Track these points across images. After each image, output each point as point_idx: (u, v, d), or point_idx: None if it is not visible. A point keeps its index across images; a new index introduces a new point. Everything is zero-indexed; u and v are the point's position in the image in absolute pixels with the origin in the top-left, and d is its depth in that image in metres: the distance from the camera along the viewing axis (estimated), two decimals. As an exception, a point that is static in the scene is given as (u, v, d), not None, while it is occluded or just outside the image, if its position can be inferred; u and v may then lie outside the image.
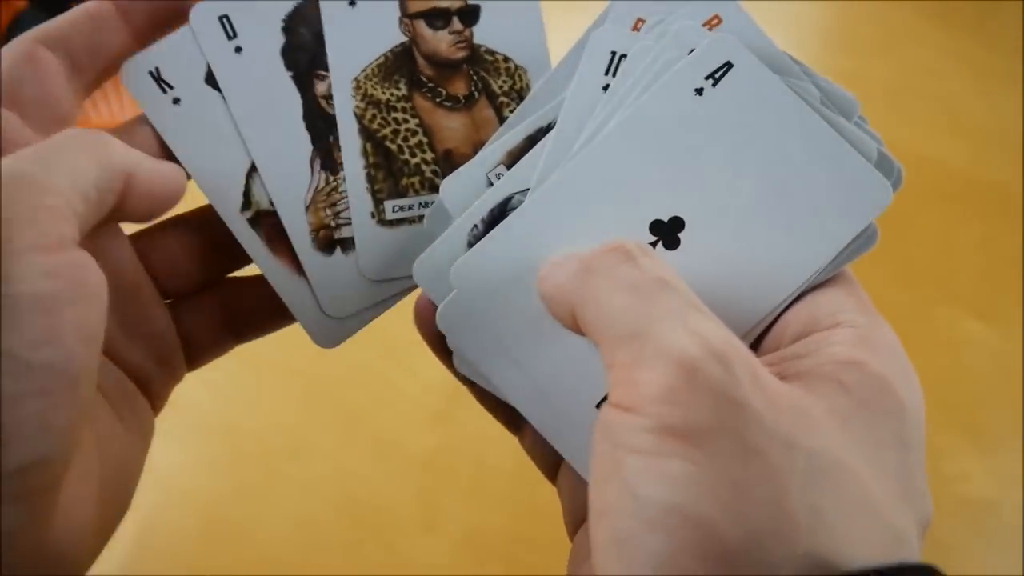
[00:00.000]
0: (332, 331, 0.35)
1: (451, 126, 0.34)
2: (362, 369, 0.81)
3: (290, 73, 0.33)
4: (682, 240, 0.28)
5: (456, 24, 0.34)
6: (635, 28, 0.31)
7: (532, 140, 0.31)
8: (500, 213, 0.30)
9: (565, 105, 0.29)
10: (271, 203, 0.33)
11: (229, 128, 0.32)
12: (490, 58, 0.34)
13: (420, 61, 0.34)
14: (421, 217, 0.34)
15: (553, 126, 0.30)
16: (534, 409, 0.29)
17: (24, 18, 0.84)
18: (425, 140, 0.34)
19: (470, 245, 0.30)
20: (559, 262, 0.26)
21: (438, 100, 0.34)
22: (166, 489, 0.76)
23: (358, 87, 0.33)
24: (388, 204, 0.34)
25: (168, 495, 0.75)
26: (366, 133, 0.33)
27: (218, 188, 0.32)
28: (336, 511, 0.75)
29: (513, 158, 0.31)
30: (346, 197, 0.34)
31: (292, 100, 0.33)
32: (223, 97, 0.32)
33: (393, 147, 0.34)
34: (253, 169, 0.33)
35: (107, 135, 0.28)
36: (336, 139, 0.33)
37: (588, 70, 0.30)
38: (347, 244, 0.34)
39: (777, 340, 0.28)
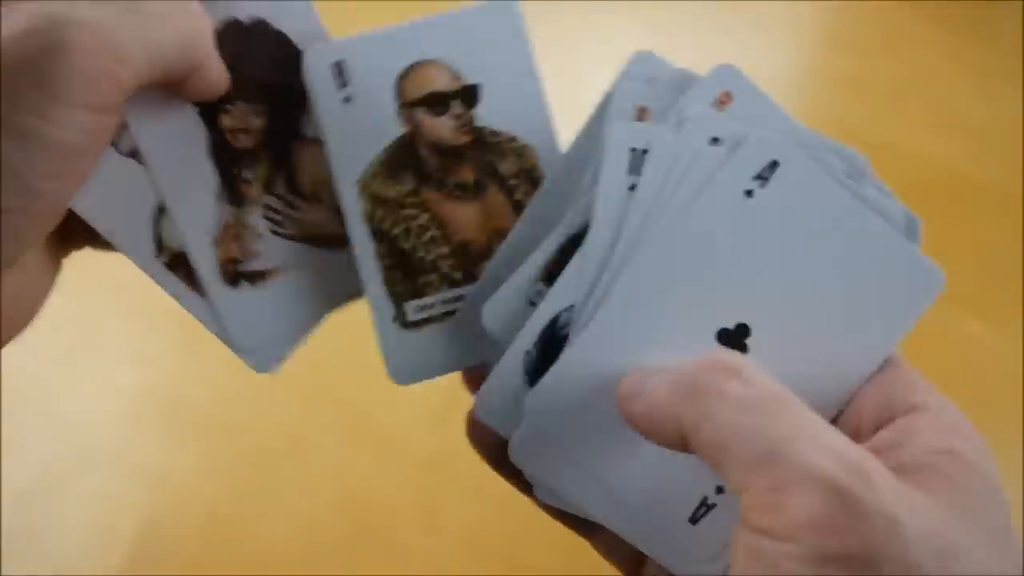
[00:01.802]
0: (264, 358, 0.34)
1: (463, 216, 0.33)
2: (362, 369, 0.81)
3: (196, 108, 0.31)
4: (749, 346, 0.28)
5: (457, 108, 0.32)
6: (640, 117, 0.30)
7: (564, 250, 0.30)
8: (551, 334, 0.29)
9: (595, 211, 0.29)
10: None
11: (132, 171, 0.31)
12: (494, 140, 0.33)
13: (423, 151, 0.32)
14: (444, 315, 0.33)
15: (582, 233, 0.29)
16: (624, 524, 0.29)
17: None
18: (438, 234, 0.33)
19: (527, 372, 0.29)
20: (643, 380, 0.26)
21: (446, 191, 0.33)
22: (166, 489, 0.76)
23: (364, 188, 0.32)
24: (409, 306, 0.33)
25: (168, 495, 0.75)
26: (378, 234, 0.32)
27: (127, 235, 0.31)
28: (336, 511, 0.75)
29: (548, 273, 0.30)
30: (253, 230, 0.33)
31: (198, 134, 0.32)
32: (129, 139, 0.31)
33: (407, 246, 0.32)
34: (160, 211, 0.32)
35: (198, 6, 0.27)
36: (241, 172, 0.32)
37: (611, 172, 0.29)
38: (254, 277, 0.33)
39: (854, 428, 0.28)
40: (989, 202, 0.94)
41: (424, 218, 0.33)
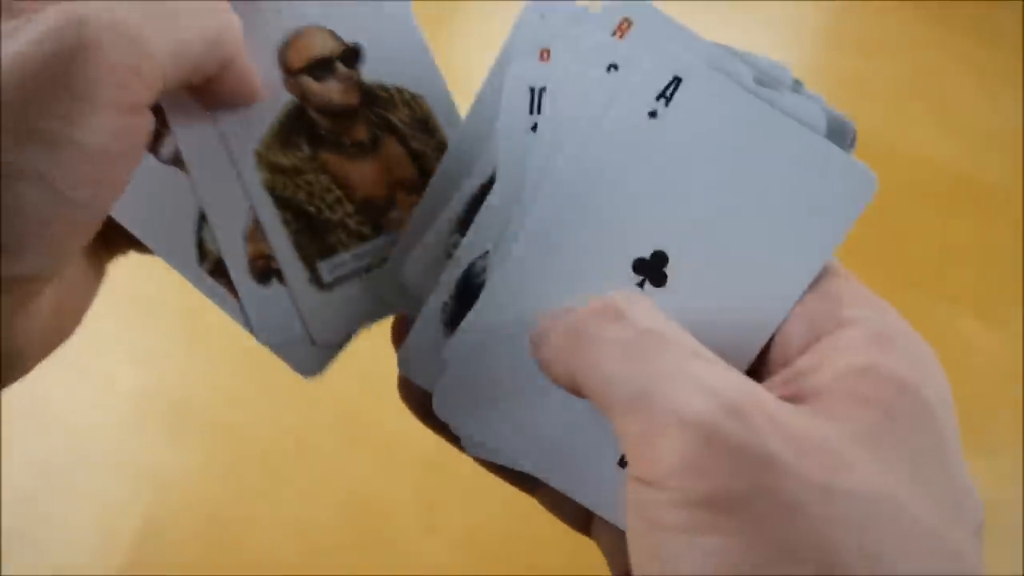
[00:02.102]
0: (310, 359, 0.35)
1: (363, 173, 0.33)
2: (362, 369, 0.81)
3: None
4: (668, 275, 0.27)
5: (341, 69, 0.33)
6: (544, 59, 0.29)
7: (476, 200, 0.30)
8: (466, 284, 0.29)
9: (500, 155, 0.28)
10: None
11: (173, 178, 0.32)
12: (384, 94, 0.33)
13: (315, 116, 0.33)
14: (358, 271, 0.33)
15: (492, 180, 0.29)
16: (556, 473, 0.28)
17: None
18: (341, 194, 0.33)
19: (445, 324, 0.29)
20: (548, 324, 0.25)
21: (343, 151, 0.33)
22: (167, 490, 0.76)
23: (260, 159, 0.32)
24: (322, 266, 0.33)
25: (168, 495, 0.75)
26: (281, 201, 0.33)
27: (169, 243, 0.32)
28: (336, 512, 0.75)
29: (464, 224, 0.29)
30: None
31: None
32: (169, 145, 0.31)
33: (312, 209, 0.33)
34: (203, 218, 0.32)
35: (224, 3, 0.27)
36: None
37: (511, 113, 0.28)
38: (283, 276, 0.33)
39: (783, 354, 0.26)
40: (989, 202, 0.94)
41: (325, 180, 0.33)
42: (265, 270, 0.33)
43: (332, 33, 0.33)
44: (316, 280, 0.33)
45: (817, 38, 1.09)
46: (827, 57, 1.07)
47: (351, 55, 0.33)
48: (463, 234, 0.29)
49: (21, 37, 0.23)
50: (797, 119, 0.27)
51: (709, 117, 0.27)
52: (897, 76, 1.04)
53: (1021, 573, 0.72)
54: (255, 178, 0.32)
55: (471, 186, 0.30)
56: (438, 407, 0.29)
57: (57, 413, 0.79)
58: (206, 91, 0.28)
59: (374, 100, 0.33)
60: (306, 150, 0.33)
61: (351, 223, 0.33)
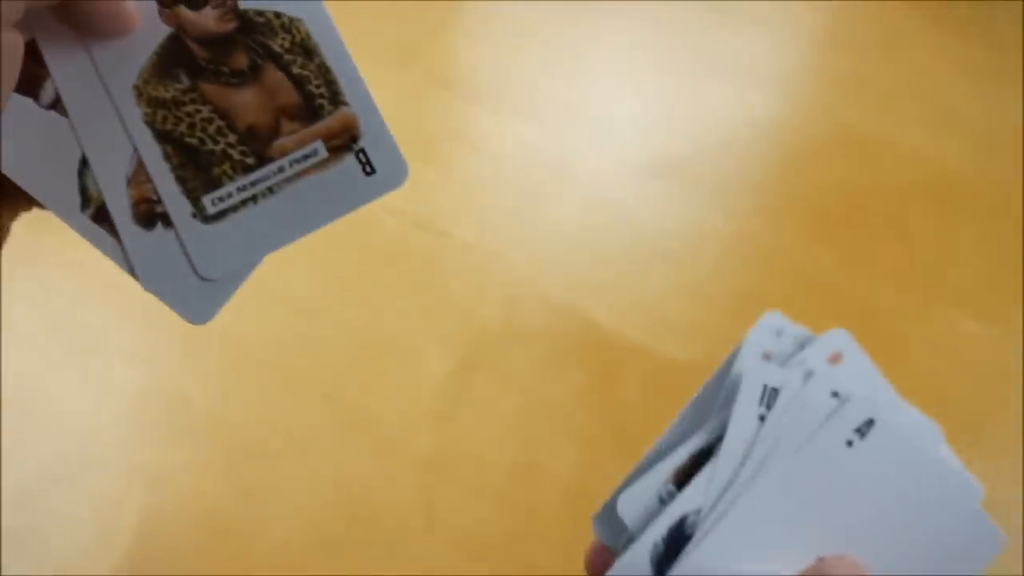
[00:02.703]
0: (199, 303, 0.34)
1: (245, 101, 0.33)
2: (362, 369, 0.81)
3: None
4: None
5: None
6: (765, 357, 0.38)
7: (693, 459, 0.36)
8: (678, 531, 0.35)
9: (728, 433, 0.35)
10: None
11: (54, 123, 0.31)
12: (261, 19, 0.33)
13: (192, 46, 0.32)
14: (243, 202, 0.33)
15: (711, 447, 0.35)
16: None
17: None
18: (223, 124, 0.33)
19: (653, 562, 0.35)
20: None
21: (223, 80, 0.33)
22: (165, 488, 0.76)
23: (140, 93, 0.32)
24: (206, 199, 0.33)
25: (167, 494, 0.75)
26: (162, 135, 0.32)
27: (52, 190, 0.31)
28: (335, 510, 0.75)
29: (679, 475, 0.36)
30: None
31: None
32: (49, 91, 0.31)
33: (194, 141, 0.32)
34: (85, 164, 0.32)
35: None
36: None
37: (745, 402, 0.35)
38: (168, 219, 0.33)
39: None
40: (988, 202, 0.94)
41: (206, 110, 0.33)
42: (149, 215, 0.32)
43: None
44: (200, 213, 0.33)
45: (814, 38, 1.09)
46: (824, 58, 1.07)
47: None
48: (677, 485, 0.36)
49: None
50: (953, 474, 0.35)
51: (889, 457, 0.35)
52: (895, 76, 1.04)
53: (1021, 573, 0.72)
54: (135, 114, 0.32)
55: (692, 447, 0.36)
56: None
57: (56, 412, 0.80)
58: (79, 15, 0.28)
59: (252, 27, 0.33)
60: (185, 81, 0.32)
61: (235, 153, 0.33)
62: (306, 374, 0.80)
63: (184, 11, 0.32)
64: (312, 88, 0.33)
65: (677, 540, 0.35)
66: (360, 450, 0.77)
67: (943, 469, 0.35)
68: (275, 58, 0.33)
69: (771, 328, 0.39)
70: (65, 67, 0.31)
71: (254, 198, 0.33)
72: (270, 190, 0.33)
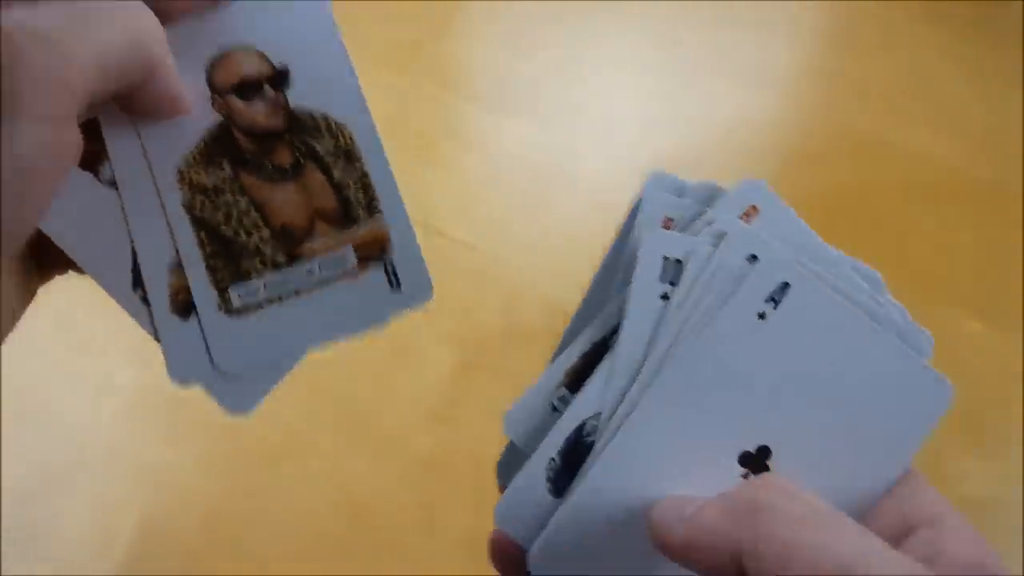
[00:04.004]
0: (233, 395, 0.34)
1: (282, 199, 0.33)
2: (362, 369, 0.81)
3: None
4: (771, 468, 0.29)
5: (268, 92, 0.32)
6: (666, 227, 0.31)
7: (589, 356, 0.30)
8: (576, 442, 0.29)
9: (626, 319, 0.29)
10: None
11: (111, 200, 0.31)
12: (309, 120, 0.33)
13: (240, 137, 0.33)
14: (270, 300, 0.33)
15: (607, 339, 0.30)
16: None
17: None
18: (259, 217, 0.33)
19: (549, 480, 0.30)
20: (681, 506, 0.26)
21: (265, 174, 0.33)
22: (165, 488, 0.76)
23: (182, 177, 0.32)
24: (233, 292, 0.32)
25: (167, 494, 0.75)
26: (199, 222, 0.32)
27: (105, 266, 0.31)
28: (335, 511, 0.74)
29: (573, 377, 0.30)
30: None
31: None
32: (109, 167, 0.31)
33: (228, 231, 0.32)
34: None
35: (145, 6, 0.27)
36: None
37: (644, 279, 0.29)
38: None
39: (877, 533, 0.29)
40: (989, 202, 0.94)
41: (244, 202, 0.33)
42: (186, 304, 0.32)
43: (262, 54, 0.32)
44: (225, 305, 0.33)
45: (814, 38, 1.09)
46: (825, 57, 1.07)
47: (279, 78, 0.33)
48: (570, 388, 0.30)
49: None
50: (890, 327, 0.30)
51: (812, 323, 0.29)
52: (896, 76, 1.04)
53: (1021, 573, 0.72)
54: (175, 197, 0.32)
55: (585, 341, 0.30)
56: (534, 566, 0.30)
57: (57, 412, 0.79)
58: (134, 101, 0.28)
59: (299, 126, 0.33)
60: (228, 171, 0.32)
61: (267, 249, 0.33)
62: (306, 374, 0.80)
63: (235, 101, 0.32)
64: (350, 194, 0.33)
65: (577, 453, 0.29)
66: (360, 450, 0.77)
67: (876, 329, 0.29)
68: (318, 159, 0.33)
69: (668, 186, 0.32)
70: (118, 147, 0.31)
71: (280, 298, 0.33)
72: (296, 292, 0.33)
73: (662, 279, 0.29)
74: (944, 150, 0.97)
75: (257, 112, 0.33)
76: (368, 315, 0.33)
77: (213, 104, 0.32)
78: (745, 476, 0.29)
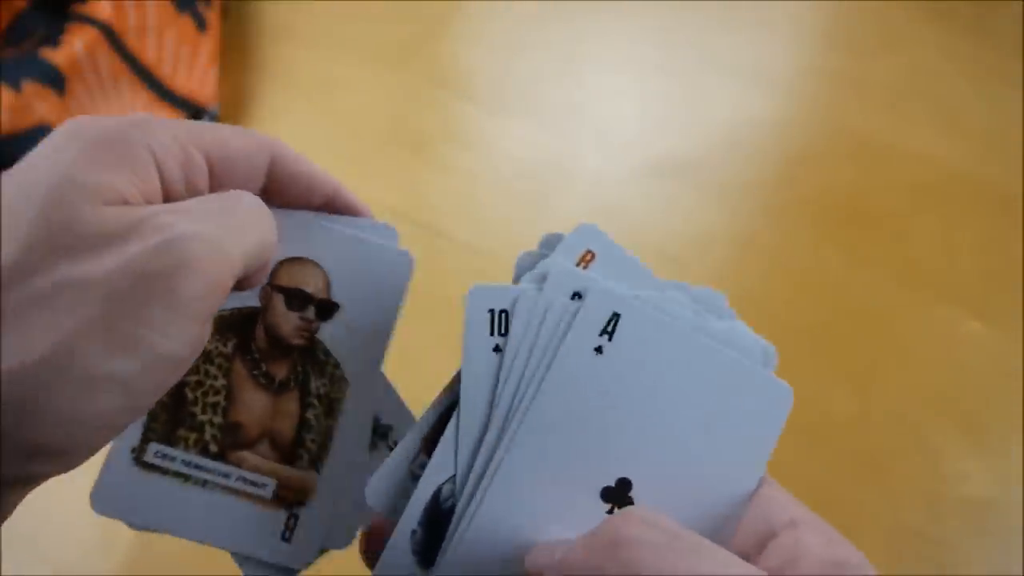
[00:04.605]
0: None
1: (253, 402, 0.33)
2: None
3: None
4: (634, 498, 0.29)
5: (310, 312, 0.33)
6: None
7: (443, 418, 0.30)
8: (434, 510, 0.29)
9: (463, 379, 0.29)
10: None
11: None
12: (322, 357, 0.33)
13: (259, 330, 0.33)
14: (178, 474, 0.33)
15: (457, 402, 0.29)
16: None
17: (24, 18, 0.84)
18: (224, 404, 0.33)
19: (416, 552, 0.29)
20: (550, 551, 0.27)
21: (255, 373, 0.33)
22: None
23: None
24: (152, 447, 0.33)
25: (168, 495, 0.75)
26: None
27: None
28: (336, 511, 0.74)
29: (429, 443, 0.30)
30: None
31: None
32: None
33: (191, 396, 0.33)
34: None
35: (267, 209, 0.28)
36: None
37: (474, 335, 0.29)
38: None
39: (739, 549, 0.29)
40: (989, 202, 0.94)
41: (221, 384, 0.33)
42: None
43: (327, 279, 0.33)
44: (139, 453, 0.33)
45: (815, 38, 1.09)
46: (826, 57, 1.07)
47: (327, 309, 0.33)
48: (429, 454, 0.29)
49: (123, 250, 0.24)
50: (730, 343, 0.29)
51: (647, 349, 0.29)
52: (897, 76, 1.04)
53: (1021, 573, 0.72)
54: None
55: (439, 405, 0.30)
56: None
57: (57, 413, 0.79)
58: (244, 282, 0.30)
59: (312, 355, 0.33)
60: (229, 348, 0.33)
61: (208, 433, 0.33)
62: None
63: (279, 302, 0.33)
64: (307, 438, 0.33)
65: (437, 521, 0.28)
66: (360, 450, 0.77)
67: (710, 345, 0.29)
68: (304, 392, 0.33)
69: (492, 294, 0.30)
70: None
71: (187, 478, 0.33)
72: (204, 483, 0.33)
73: (492, 332, 0.29)
74: (945, 150, 0.97)
75: (289, 322, 0.33)
76: (247, 542, 0.33)
77: (261, 291, 0.33)
78: (611, 511, 0.29)
